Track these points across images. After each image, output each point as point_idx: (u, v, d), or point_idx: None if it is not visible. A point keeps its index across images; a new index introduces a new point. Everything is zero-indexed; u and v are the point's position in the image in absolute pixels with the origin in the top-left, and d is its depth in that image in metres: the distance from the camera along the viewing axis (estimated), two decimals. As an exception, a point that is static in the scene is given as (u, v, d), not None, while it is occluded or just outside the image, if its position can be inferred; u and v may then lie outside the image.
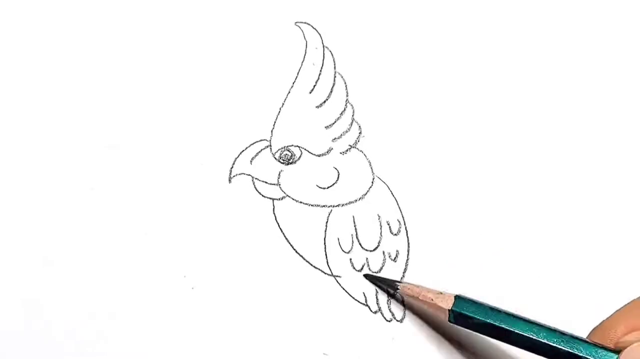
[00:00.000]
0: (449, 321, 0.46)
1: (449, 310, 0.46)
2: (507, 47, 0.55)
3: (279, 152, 0.52)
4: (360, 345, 0.49)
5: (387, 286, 0.50)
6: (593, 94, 0.54)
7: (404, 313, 0.50)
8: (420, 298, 0.48)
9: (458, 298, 0.46)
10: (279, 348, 0.49)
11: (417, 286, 0.48)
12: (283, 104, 0.53)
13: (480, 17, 0.55)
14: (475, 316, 0.46)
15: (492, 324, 0.45)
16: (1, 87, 0.53)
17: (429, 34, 0.55)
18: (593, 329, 0.45)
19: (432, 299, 0.47)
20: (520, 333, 0.45)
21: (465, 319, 0.46)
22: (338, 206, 0.51)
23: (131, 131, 0.52)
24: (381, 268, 0.50)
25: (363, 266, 0.50)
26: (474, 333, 0.46)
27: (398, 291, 0.49)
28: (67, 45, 0.53)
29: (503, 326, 0.45)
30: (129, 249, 0.50)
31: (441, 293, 0.47)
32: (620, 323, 0.44)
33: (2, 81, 0.53)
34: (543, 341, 0.45)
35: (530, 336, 0.45)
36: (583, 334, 0.45)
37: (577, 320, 0.49)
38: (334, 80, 0.53)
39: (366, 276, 0.50)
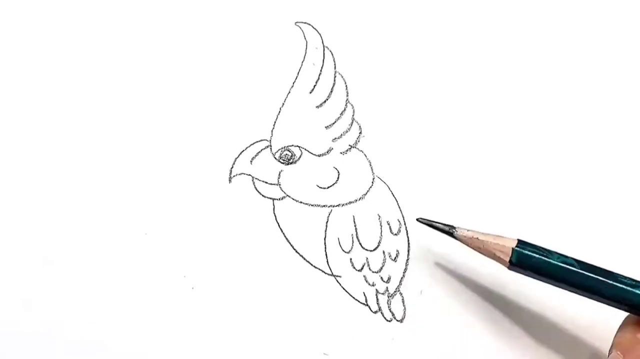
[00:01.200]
0: (511, 261, 0.45)
1: (512, 248, 0.45)
2: (507, 47, 0.55)
3: (279, 152, 0.52)
4: (360, 345, 0.49)
5: (445, 228, 0.48)
6: (593, 94, 0.54)
7: (404, 313, 0.50)
8: (480, 238, 0.46)
9: (521, 241, 0.45)
10: (279, 348, 0.49)
11: (475, 231, 0.47)
12: (283, 104, 0.53)
13: (480, 17, 0.55)
14: (538, 256, 0.45)
15: (555, 264, 0.44)
16: (1, 88, 0.53)
17: (429, 34, 0.55)
18: None
19: (494, 241, 0.46)
20: (591, 275, 0.44)
21: (527, 261, 0.45)
22: (338, 206, 0.51)
23: (131, 130, 0.52)
24: (381, 268, 0.50)
25: (363, 266, 0.50)
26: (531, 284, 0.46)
27: (455, 232, 0.47)
28: (67, 45, 0.53)
29: (567, 266, 0.44)
30: (129, 249, 0.50)
31: (501, 236, 0.46)
32: None
33: (2, 82, 0.53)
34: (619, 285, 0.44)
35: (607, 281, 0.44)
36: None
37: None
38: (334, 80, 0.53)
39: (419, 219, 0.48)
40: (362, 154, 0.52)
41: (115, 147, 0.52)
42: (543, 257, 0.45)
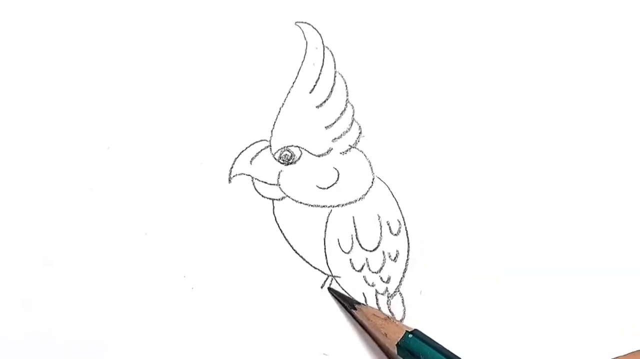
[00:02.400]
0: (397, 354, 0.46)
1: (397, 344, 0.46)
2: (507, 47, 0.55)
3: (279, 152, 0.52)
4: (360, 345, 0.49)
5: (347, 304, 0.49)
6: (593, 94, 0.54)
7: (404, 313, 0.50)
8: (371, 325, 0.47)
9: (410, 333, 0.46)
10: (279, 348, 0.49)
11: (375, 312, 0.48)
12: (283, 104, 0.52)
13: (480, 17, 0.55)
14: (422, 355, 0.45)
15: None
16: (1, 88, 0.53)
17: (429, 34, 0.54)
18: None
19: (383, 329, 0.47)
20: None
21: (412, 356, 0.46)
22: (338, 206, 0.51)
23: (131, 131, 0.52)
24: (381, 268, 0.50)
25: (363, 266, 0.50)
26: None
27: (355, 311, 0.48)
28: (67, 45, 0.53)
29: None
30: (129, 249, 0.50)
31: (398, 323, 0.47)
32: None
33: (2, 82, 0.53)
34: None
35: None
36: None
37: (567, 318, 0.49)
38: (334, 80, 0.53)
39: (330, 289, 0.50)
40: (362, 154, 0.52)
41: (115, 147, 0.52)
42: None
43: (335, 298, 0.49)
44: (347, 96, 0.53)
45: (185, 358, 0.48)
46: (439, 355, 0.46)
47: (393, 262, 0.51)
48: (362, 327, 0.49)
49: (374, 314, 0.48)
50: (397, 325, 0.47)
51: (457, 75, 0.54)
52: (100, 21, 0.54)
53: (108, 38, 0.54)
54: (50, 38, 0.53)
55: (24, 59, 0.53)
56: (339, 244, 0.50)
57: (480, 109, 0.53)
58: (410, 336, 0.46)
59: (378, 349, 0.49)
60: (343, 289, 0.50)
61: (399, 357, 0.47)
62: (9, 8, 0.54)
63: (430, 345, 0.46)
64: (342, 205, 0.51)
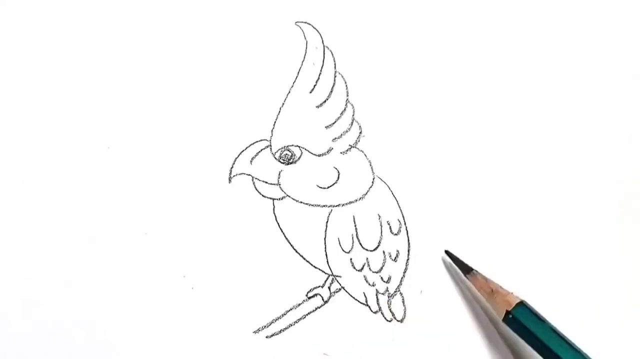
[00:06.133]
0: (503, 321, 0.47)
1: (507, 311, 0.47)
2: (507, 47, 0.55)
3: (279, 152, 0.52)
4: (360, 345, 0.49)
5: (461, 268, 0.49)
6: (592, 94, 0.54)
7: (404, 313, 0.50)
8: (485, 288, 0.48)
9: (521, 304, 0.47)
10: (279, 348, 0.49)
11: (487, 279, 0.49)
12: (283, 103, 0.52)
13: (480, 17, 0.55)
14: (530, 327, 0.47)
15: (542, 342, 0.46)
16: (1, 88, 0.53)
17: (429, 34, 0.55)
18: None
19: (494, 295, 0.48)
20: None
21: (519, 325, 0.47)
22: (338, 206, 0.51)
23: (131, 131, 0.52)
24: (381, 268, 0.50)
25: (363, 266, 0.50)
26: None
27: (468, 276, 0.49)
28: (67, 46, 0.53)
29: (551, 346, 0.46)
30: (129, 249, 0.50)
31: (510, 293, 0.48)
32: None
33: (2, 82, 0.53)
34: None
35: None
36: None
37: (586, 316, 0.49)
38: (334, 80, 0.53)
39: (447, 252, 0.50)
40: (362, 154, 0.52)
41: (115, 147, 0.52)
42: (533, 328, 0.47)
43: (452, 260, 0.50)
44: (347, 95, 0.53)
45: (185, 358, 0.48)
46: (543, 326, 0.47)
47: (393, 262, 0.51)
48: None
49: (485, 282, 0.48)
50: (505, 295, 0.48)
51: (457, 76, 0.54)
52: (100, 22, 0.54)
53: (108, 38, 0.54)
54: (51, 38, 0.53)
55: (25, 59, 0.53)
56: (339, 243, 0.50)
57: (480, 109, 0.53)
58: (518, 308, 0.47)
59: (378, 349, 0.49)
60: (344, 289, 0.50)
61: (504, 324, 0.48)
62: (10, 8, 0.54)
63: (536, 317, 0.47)
64: (343, 205, 0.51)
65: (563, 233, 0.51)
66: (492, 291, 0.48)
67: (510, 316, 0.47)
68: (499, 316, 0.48)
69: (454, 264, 0.50)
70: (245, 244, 0.50)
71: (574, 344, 0.46)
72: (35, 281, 0.49)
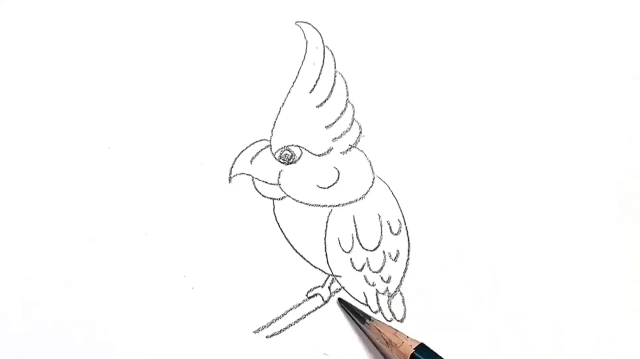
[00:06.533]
0: None
1: (410, 355, 0.46)
2: (507, 47, 0.55)
3: (279, 152, 0.52)
4: (360, 345, 0.49)
5: (357, 317, 0.49)
6: (593, 94, 0.54)
7: (404, 313, 0.50)
8: (383, 337, 0.47)
9: (421, 346, 0.46)
10: (279, 348, 0.49)
11: (385, 325, 0.48)
12: (283, 103, 0.52)
13: (480, 17, 0.55)
14: None
15: None
16: (1, 88, 0.53)
17: (429, 34, 0.55)
18: None
19: (393, 342, 0.47)
20: None
21: None
22: (338, 205, 0.51)
23: (131, 131, 0.52)
24: (381, 268, 0.50)
25: (363, 266, 0.50)
26: None
27: (366, 324, 0.48)
28: (68, 46, 0.53)
29: None
30: (129, 249, 0.50)
31: (407, 338, 0.47)
32: None
33: (2, 82, 0.53)
34: None
35: None
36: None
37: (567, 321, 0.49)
38: (335, 79, 0.53)
39: (340, 301, 0.50)
40: (362, 154, 0.52)
41: (115, 147, 0.52)
42: None
43: (345, 310, 0.49)
44: (347, 95, 0.53)
45: (185, 358, 0.48)
46: None
47: (393, 262, 0.50)
48: (371, 340, 0.49)
49: (381, 330, 0.48)
50: (405, 341, 0.47)
51: (457, 76, 0.54)
52: (100, 22, 0.54)
53: (108, 39, 0.54)
54: (51, 39, 0.53)
55: (25, 59, 0.53)
56: (339, 243, 0.50)
57: (479, 109, 0.53)
58: (416, 353, 0.46)
59: (377, 349, 0.49)
60: (344, 289, 0.50)
61: None
62: (10, 8, 0.54)
63: None
64: (343, 205, 0.51)
65: (563, 233, 0.51)
66: (386, 343, 0.47)
67: None
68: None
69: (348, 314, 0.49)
70: (246, 244, 0.50)
71: None
72: (35, 281, 0.49)
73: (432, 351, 0.47)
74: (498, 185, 0.52)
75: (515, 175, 0.52)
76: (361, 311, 0.49)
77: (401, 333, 0.47)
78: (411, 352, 0.46)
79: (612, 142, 0.53)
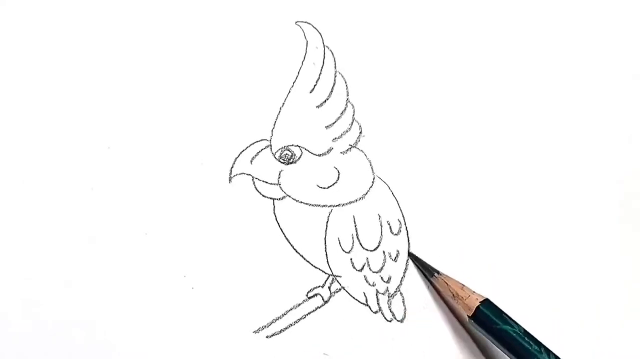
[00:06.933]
0: (469, 319, 0.47)
1: (476, 308, 0.47)
2: (507, 47, 0.55)
3: (279, 152, 0.52)
4: (360, 345, 0.49)
5: (425, 271, 0.50)
6: (593, 94, 0.54)
7: (404, 313, 0.50)
8: (450, 290, 0.48)
9: (486, 301, 0.47)
10: (279, 348, 0.49)
11: (452, 279, 0.49)
12: (283, 103, 0.52)
13: (480, 18, 0.55)
14: (490, 330, 0.47)
15: (508, 337, 0.46)
16: (1, 88, 0.53)
17: (429, 34, 0.55)
18: None
19: (460, 295, 0.48)
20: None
21: (484, 323, 0.47)
22: (338, 205, 0.51)
23: (131, 131, 0.52)
24: (381, 268, 0.50)
25: (363, 266, 0.50)
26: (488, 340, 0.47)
27: (434, 277, 0.49)
28: (68, 46, 0.53)
29: (516, 344, 0.46)
30: (129, 249, 0.50)
31: (473, 292, 0.48)
32: None
33: (2, 82, 0.53)
34: None
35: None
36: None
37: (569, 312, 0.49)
38: (335, 79, 0.53)
39: (410, 254, 0.50)
40: (362, 154, 0.52)
41: (115, 147, 0.52)
42: (496, 326, 0.47)
43: (415, 263, 0.50)
44: (348, 95, 0.53)
45: (185, 358, 0.48)
46: (507, 326, 0.47)
47: (393, 262, 0.51)
48: (438, 293, 0.50)
49: (449, 283, 0.49)
50: (471, 295, 0.48)
51: (457, 76, 0.54)
52: (100, 22, 0.54)
53: (108, 38, 0.54)
54: (51, 39, 0.53)
55: (25, 59, 0.53)
56: (339, 243, 0.50)
57: (480, 109, 0.53)
58: (481, 307, 0.47)
59: (378, 349, 0.49)
60: (344, 289, 0.50)
61: (471, 323, 0.48)
62: (10, 8, 0.54)
63: (500, 316, 0.47)
64: (343, 205, 0.51)
65: (563, 233, 0.51)
66: (453, 296, 0.48)
67: (472, 321, 0.47)
68: (465, 316, 0.48)
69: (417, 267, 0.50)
70: (246, 244, 0.50)
71: (536, 341, 0.46)
72: (35, 281, 0.49)
73: (497, 306, 0.47)
74: (498, 185, 0.52)
75: (515, 175, 0.52)
76: (430, 266, 0.50)
77: (468, 287, 0.48)
78: (477, 305, 0.47)
79: (612, 142, 0.53)
